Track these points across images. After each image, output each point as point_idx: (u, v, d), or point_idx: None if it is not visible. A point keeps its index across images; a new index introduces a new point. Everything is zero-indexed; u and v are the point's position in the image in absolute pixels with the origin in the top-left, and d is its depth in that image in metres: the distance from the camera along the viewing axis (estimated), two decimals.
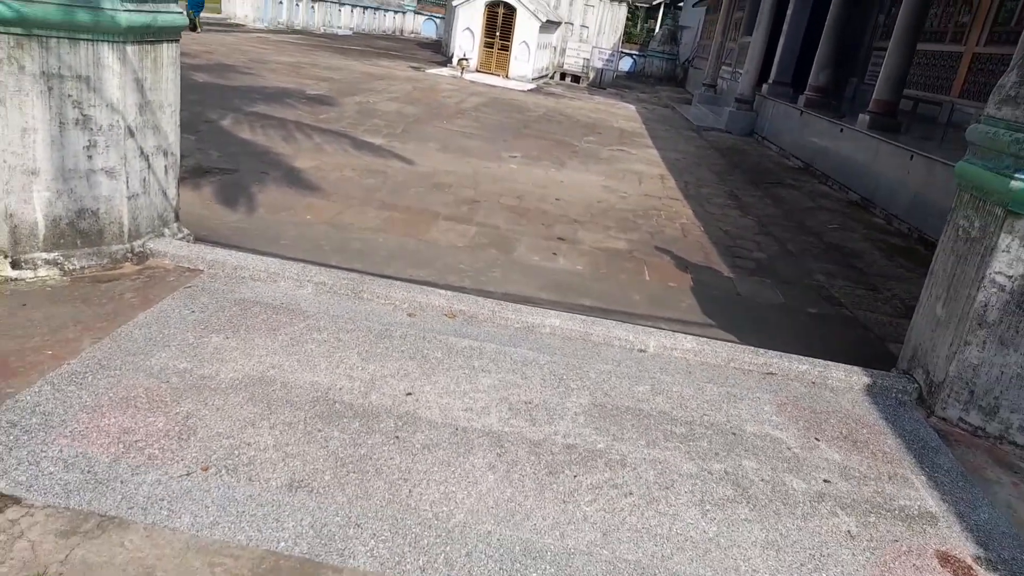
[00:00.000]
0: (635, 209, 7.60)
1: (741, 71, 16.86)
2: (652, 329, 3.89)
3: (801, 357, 3.78)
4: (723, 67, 21.22)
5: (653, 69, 33.11)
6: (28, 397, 2.50)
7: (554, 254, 5.62)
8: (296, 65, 15.62)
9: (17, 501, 2.06)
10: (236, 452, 2.40)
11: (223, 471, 2.30)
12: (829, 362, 3.76)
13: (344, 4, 30.18)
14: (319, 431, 2.58)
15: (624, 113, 17.47)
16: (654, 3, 47.79)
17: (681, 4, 37.44)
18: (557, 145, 11.00)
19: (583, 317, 3.85)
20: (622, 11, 27.17)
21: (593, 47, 24.99)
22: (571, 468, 2.61)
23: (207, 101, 9.53)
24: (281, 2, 25.10)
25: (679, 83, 31.06)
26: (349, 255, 4.79)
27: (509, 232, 5.99)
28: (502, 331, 3.63)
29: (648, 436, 2.90)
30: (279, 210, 5.59)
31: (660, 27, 38.74)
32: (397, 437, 2.62)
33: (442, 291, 3.90)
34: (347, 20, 30.09)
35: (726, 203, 8.65)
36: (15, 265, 3.35)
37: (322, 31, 27.52)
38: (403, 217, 5.91)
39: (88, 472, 2.20)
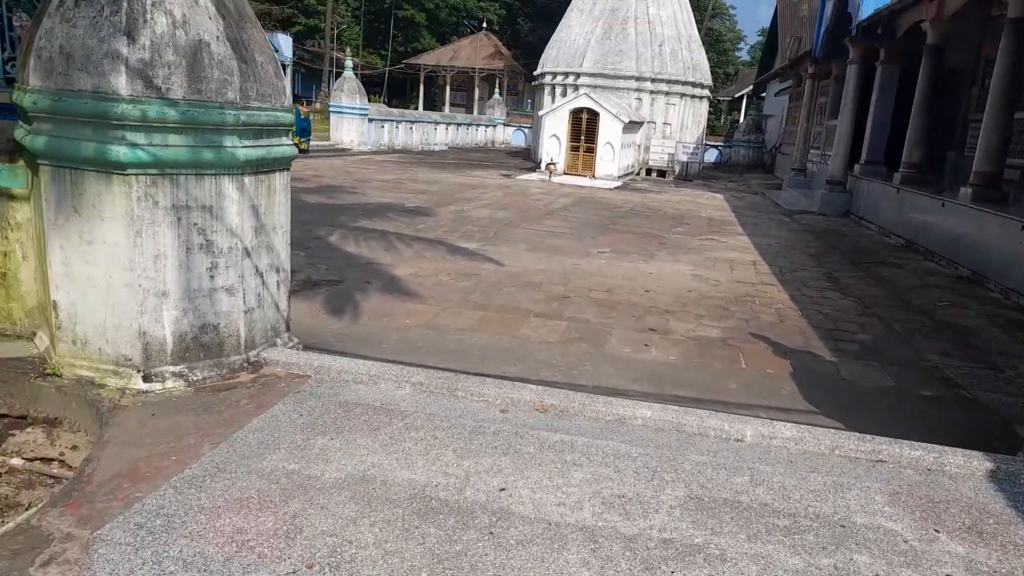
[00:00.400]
0: (728, 297, 7.51)
1: (830, 153, 16.66)
2: (748, 418, 3.79)
3: (914, 442, 3.57)
4: (811, 151, 21.04)
5: (739, 158, 33.16)
6: (153, 501, 2.72)
7: (646, 345, 5.61)
8: (396, 182, 16.68)
9: None
10: (339, 550, 2.50)
11: (326, 569, 2.40)
12: (946, 447, 3.53)
13: (439, 123, 32.23)
14: (416, 528, 2.66)
15: (712, 203, 17.49)
16: (736, 96, 48.44)
17: (764, 95, 37.76)
18: (645, 238, 11.11)
19: (675, 407, 3.82)
20: (703, 106, 27.67)
21: (677, 142, 25.43)
22: (668, 564, 2.55)
23: (317, 220, 10.31)
24: (383, 126, 27.09)
25: (767, 170, 30.89)
26: (445, 355, 4.98)
27: (599, 326, 6.05)
28: (593, 424, 3.65)
29: (749, 529, 2.80)
30: (381, 316, 5.91)
31: (744, 117, 39.05)
32: (491, 533, 2.66)
33: (533, 386, 3.97)
34: (442, 137, 32.03)
35: (824, 286, 8.41)
36: (146, 379, 3.70)
37: (420, 149, 29.36)
38: (496, 316, 6.10)
39: (204, 571, 2.35)
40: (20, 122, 3.90)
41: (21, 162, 3.97)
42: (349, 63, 25.82)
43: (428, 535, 2.62)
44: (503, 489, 2.97)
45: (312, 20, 47.31)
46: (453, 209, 12.78)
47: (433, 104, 49.04)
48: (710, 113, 35.22)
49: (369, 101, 27.03)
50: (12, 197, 4.03)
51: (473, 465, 3.14)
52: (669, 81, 25.63)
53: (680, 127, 26.23)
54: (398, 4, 50.50)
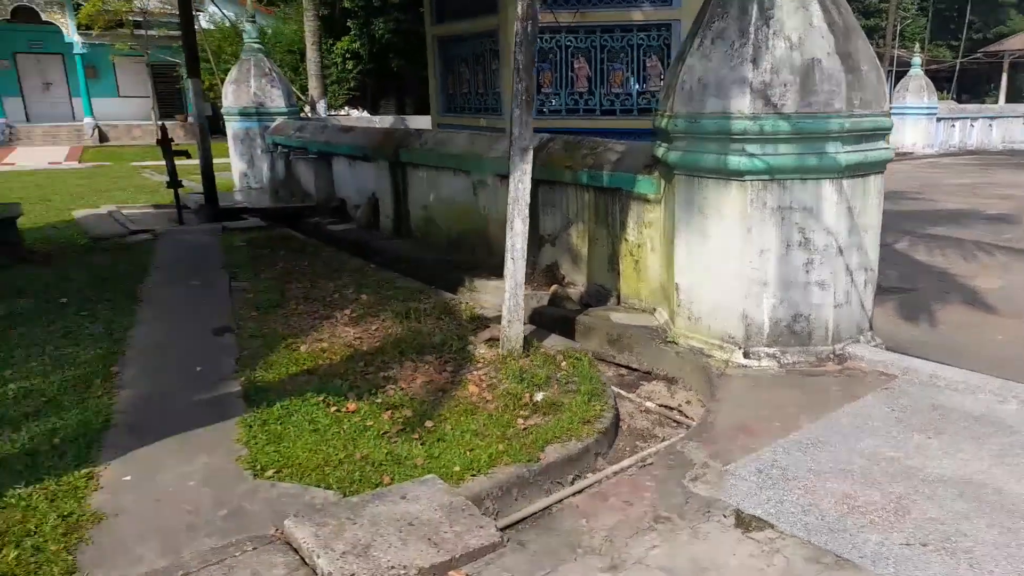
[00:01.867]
0: None
1: None
2: None
3: None
4: None
5: None
6: (767, 454, 3.18)
7: None
8: (970, 186, 14.72)
9: (771, 526, 2.66)
10: (951, 538, 2.54)
11: (941, 551, 2.47)
12: None
13: None
14: None
15: None
16: None
17: None
18: None
19: None
20: None
21: None
22: None
23: (882, 225, 9.88)
24: (953, 125, 24.05)
25: None
26: None
27: None
28: None
29: None
30: (960, 327, 5.49)
31: None
32: None
33: None
34: None
35: None
36: (745, 355, 4.26)
37: (1000, 148, 25.07)
38: None
39: (821, 519, 2.68)
40: (658, 141, 4.89)
41: (656, 173, 4.97)
42: (917, 59, 23.55)
43: None
44: None
45: (871, 20, 44.61)
46: None
47: (1019, 96, 41.14)
48: None
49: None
50: (647, 201, 5.09)
51: None
52: None
53: None
54: None
